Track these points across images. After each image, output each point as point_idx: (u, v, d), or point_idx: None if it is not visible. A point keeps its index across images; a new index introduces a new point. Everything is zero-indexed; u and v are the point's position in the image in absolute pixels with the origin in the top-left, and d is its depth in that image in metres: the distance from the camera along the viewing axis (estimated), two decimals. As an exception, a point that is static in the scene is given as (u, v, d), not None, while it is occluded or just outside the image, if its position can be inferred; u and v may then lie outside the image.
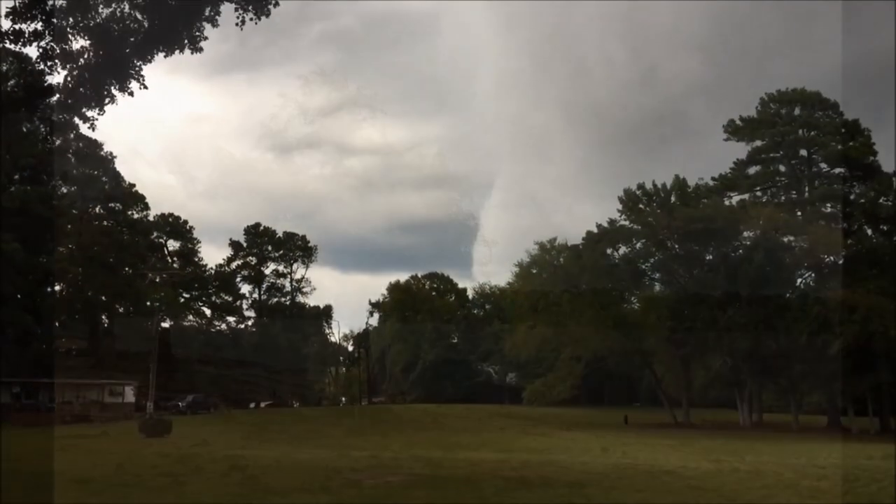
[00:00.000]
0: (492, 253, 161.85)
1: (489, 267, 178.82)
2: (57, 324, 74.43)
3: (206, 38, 15.45)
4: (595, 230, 65.61)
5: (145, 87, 15.21)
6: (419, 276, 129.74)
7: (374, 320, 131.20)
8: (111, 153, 78.18)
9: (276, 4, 15.00)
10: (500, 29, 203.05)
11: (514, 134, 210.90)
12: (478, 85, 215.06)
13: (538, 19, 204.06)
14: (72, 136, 67.64)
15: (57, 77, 15.35)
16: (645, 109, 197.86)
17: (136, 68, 15.22)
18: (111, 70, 14.81)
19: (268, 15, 15.08)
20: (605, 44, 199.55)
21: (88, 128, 16.08)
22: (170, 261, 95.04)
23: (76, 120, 16.04)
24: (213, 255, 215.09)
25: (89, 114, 15.36)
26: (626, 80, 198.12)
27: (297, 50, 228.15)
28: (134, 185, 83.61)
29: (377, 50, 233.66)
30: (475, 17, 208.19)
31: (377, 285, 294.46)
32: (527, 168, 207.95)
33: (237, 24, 14.85)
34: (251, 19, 15.04)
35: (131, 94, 15.09)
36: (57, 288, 75.33)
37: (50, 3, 14.90)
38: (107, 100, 15.16)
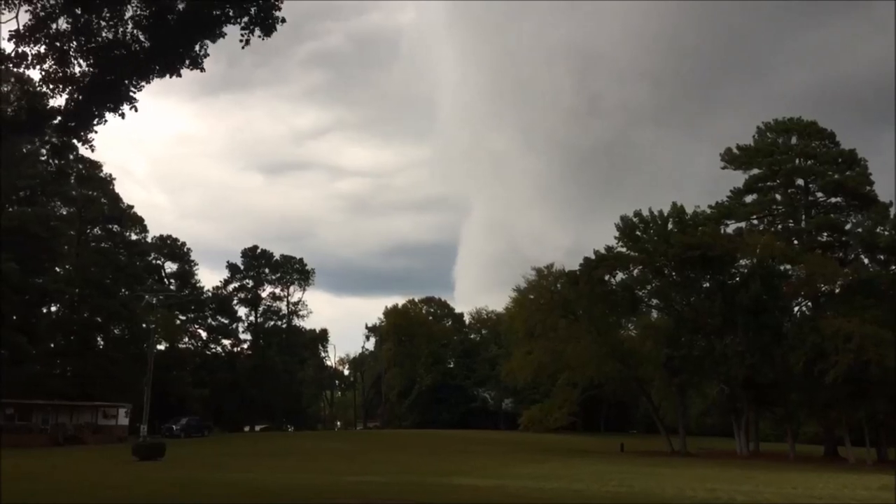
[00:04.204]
0: (473, 276, 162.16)
1: (470, 290, 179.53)
2: (52, 345, 74.24)
3: (207, 56, 15.46)
4: (592, 256, 65.47)
5: (135, 110, 15.26)
6: (416, 300, 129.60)
7: (371, 344, 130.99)
8: (110, 175, 78.64)
9: (284, 21, 15.01)
10: (463, 50, 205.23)
11: (482, 158, 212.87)
12: (444, 109, 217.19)
13: (490, 42, 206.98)
14: (71, 157, 68.22)
15: (59, 100, 15.46)
16: (593, 136, 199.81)
17: (135, 89, 15.26)
18: (108, 92, 14.87)
19: (272, 33, 15.05)
20: (551, 71, 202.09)
21: (87, 148, 16.15)
22: (167, 282, 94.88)
23: (75, 141, 16.11)
24: (204, 276, 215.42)
25: (87, 135, 15.43)
26: (572, 107, 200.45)
27: (286, 70, 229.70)
28: (132, 207, 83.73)
29: (365, 70, 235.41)
30: (438, 38, 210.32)
31: (370, 308, 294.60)
32: (497, 192, 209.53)
33: (241, 43, 14.83)
34: (259, 36, 15.07)
35: (122, 115, 15.13)
36: (53, 309, 75.30)
37: (54, 26, 15.01)
38: (96, 121, 15.21)
